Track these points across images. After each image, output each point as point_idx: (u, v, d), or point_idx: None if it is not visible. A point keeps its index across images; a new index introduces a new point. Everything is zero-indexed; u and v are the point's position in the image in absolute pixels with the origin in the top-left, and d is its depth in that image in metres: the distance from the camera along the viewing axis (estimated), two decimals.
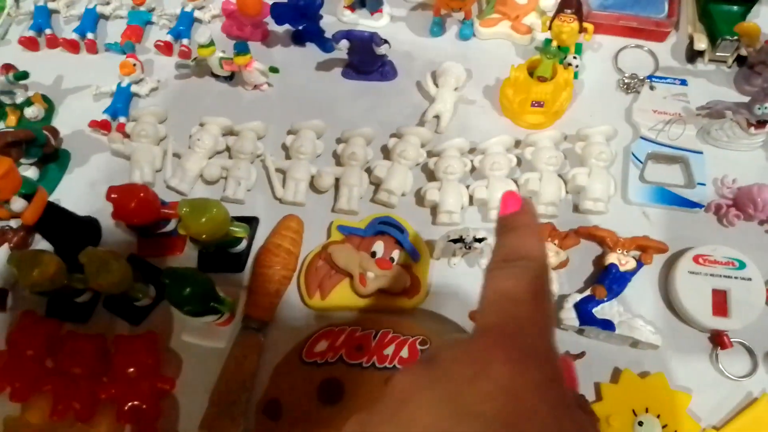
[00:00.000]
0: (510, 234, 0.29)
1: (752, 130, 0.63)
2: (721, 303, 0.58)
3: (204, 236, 0.58)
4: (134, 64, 0.73)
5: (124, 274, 0.56)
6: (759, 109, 0.60)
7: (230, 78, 0.73)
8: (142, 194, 0.58)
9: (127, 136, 0.69)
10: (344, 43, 0.67)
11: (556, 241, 0.61)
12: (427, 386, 0.22)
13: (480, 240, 0.57)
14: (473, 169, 0.66)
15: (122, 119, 0.71)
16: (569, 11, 0.64)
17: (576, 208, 0.64)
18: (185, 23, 0.77)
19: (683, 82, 0.69)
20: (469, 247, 0.57)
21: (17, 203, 0.57)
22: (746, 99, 0.64)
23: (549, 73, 0.64)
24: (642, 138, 0.66)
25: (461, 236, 0.57)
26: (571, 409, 0.23)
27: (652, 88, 0.69)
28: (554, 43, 0.69)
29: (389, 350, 0.54)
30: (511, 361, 0.23)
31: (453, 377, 0.22)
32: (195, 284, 0.53)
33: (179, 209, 0.56)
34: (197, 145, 0.67)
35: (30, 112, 0.71)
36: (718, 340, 0.57)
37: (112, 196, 0.58)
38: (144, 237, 0.65)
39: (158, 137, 0.69)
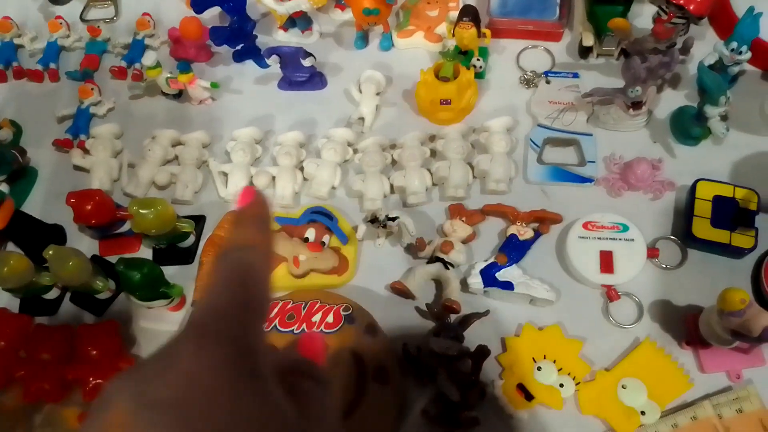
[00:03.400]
0: (236, 227, 0.29)
1: (631, 111, 0.72)
2: (607, 262, 0.66)
3: (153, 230, 0.66)
4: (92, 89, 0.82)
5: (84, 267, 0.64)
6: (631, 92, 0.69)
7: (178, 95, 0.82)
8: (97, 197, 0.66)
9: (87, 151, 0.78)
10: (274, 58, 0.77)
11: (464, 218, 0.70)
12: (123, 386, 0.22)
13: (393, 219, 0.66)
14: (393, 162, 0.75)
15: (83, 137, 0.80)
16: (466, 19, 0.74)
17: (483, 190, 0.73)
18: (137, 50, 0.86)
19: (575, 75, 0.79)
20: (384, 225, 0.66)
21: None
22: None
23: (450, 74, 0.73)
24: (539, 125, 0.76)
25: (376, 216, 0.66)
26: (259, 381, 0.24)
27: (548, 82, 0.78)
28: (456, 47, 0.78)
29: (317, 317, 0.62)
30: (199, 348, 0.23)
31: (145, 374, 0.23)
32: (145, 271, 0.61)
33: (130, 208, 0.65)
34: (149, 155, 0.76)
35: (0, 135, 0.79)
36: (607, 294, 0.66)
37: (71, 200, 0.66)
38: (104, 239, 0.73)
39: (115, 151, 0.78)
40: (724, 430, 0.58)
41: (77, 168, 0.78)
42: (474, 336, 0.64)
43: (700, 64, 0.70)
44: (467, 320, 0.64)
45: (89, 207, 0.66)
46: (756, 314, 0.55)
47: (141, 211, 0.64)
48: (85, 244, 0.73)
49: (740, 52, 0.71)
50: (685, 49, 0.74)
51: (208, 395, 0.22)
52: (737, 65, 0.73)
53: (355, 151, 0.76)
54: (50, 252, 0.62)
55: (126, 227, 0.72)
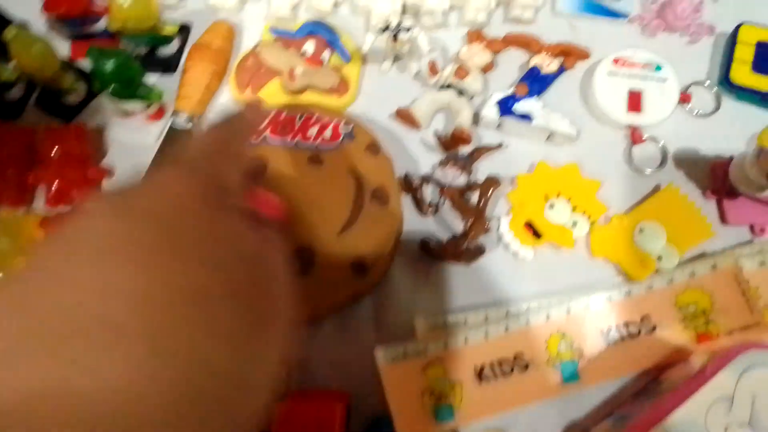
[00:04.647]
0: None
1: None
2: (636, 101, 0.60)
3: (131, 23, 0.58)
4: None
5: (50, 53, 0.56)
6: None
7: None
8: None
9: None
10: None
11: (484, 43, 0.62)
12: (102, 198, 0.24)
13: (407, 29, 0.58)
14: None
15: None
16: None
17: (506, 18, 0.65)
18: None
19: None
20: (396, 36, 0.58)
21: None
22: None
23: None
24: None
25: (388, 24, 0.58)
26: (230, 214, 0.25)
27: None
28: None
29: (312, 131, 0.56)
30: (179, 176, 0.25)
31: (125, 190, 0.24)
32: (119, 60, 0.54)
33: None
34: None
35: None
36: (631, 135, 0.60)
37: None
38: (76, 39, 0.64)
39: None
40: (743, 282, 0.55)
41: None
42: (483, 173, 0.59)
43: None
44: (478, 152, 0.59)
45: None
46: None
47: None
48: (56, 45, 0.65)
49: None
50: None
51: (183, 214, 0.23)
52: None
53: None
54: (12, 33, 0.54)
55: (101, 26, 0.63)
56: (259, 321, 0.22)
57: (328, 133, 0.55)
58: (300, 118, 0.56)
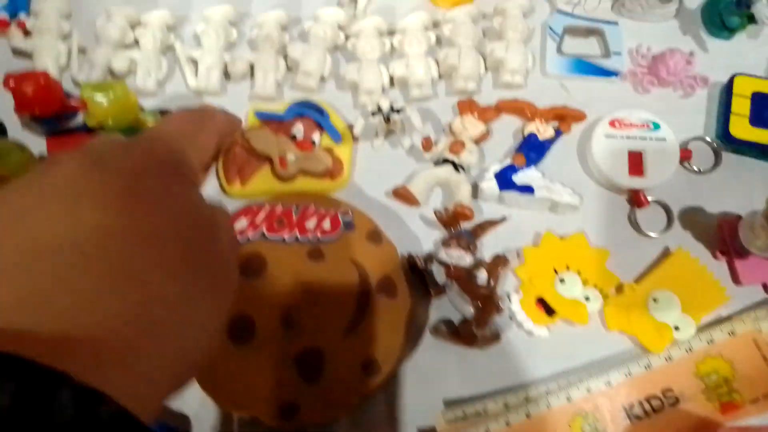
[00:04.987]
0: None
1: None
2: (637, 163, 0.59)
3: (111, 121, 0.55)
4: None
5: (27, 164, 0.53)
6: None
7: None
8: (42, 80, 0.55)
9: (28, 32, 0.65)
10: None
11: (476, 114, 0.61)
12: (77, 150, 0.25)
13: (398, 110, 0.56)
14: (393, 50, 0.65)
15: (22, 15, 0.67)
16: None
17: (496, 84, 0.64)
18: None
19: None
20: (388, 119, 0.57)
21: None
22: None
23: None
24: (558, 11, 0.66)
25: (379, 107, 0.56)
26: (194, 187, 0.29)
27: None
28: None
29: (311, 223, 0.53)
30: (148, 143, 0.28)
31: (102, 148, 0.26)
32: None
33: (82, 92, 0.54)
34: (103, 37, 0.64)
35: None
36: (635, 199, 0.59)
37: (10, 83, 0.54)
38: (52, 135, 0.62)
39: (62, 33, 0.65)
40: (764, 346, 0.53)
41: (17, 52, 0.65)
42: (488, 247, 0.57)
43: None
44: (481, 228, 0.57)
45: (32, 91, 0.54)
46: None
47: (96, 95, 0.53)
48: (30, 143, 0.62)
49: None
50: None
51: (148, 173, 0.25)
52: None
53: (347, 37, 0.65)
54: None
55: (79, 122, 0.61)
56: (205, 270, 0.25)
57: (326, 224, 0.53)
58: (297, 211, 0.54)
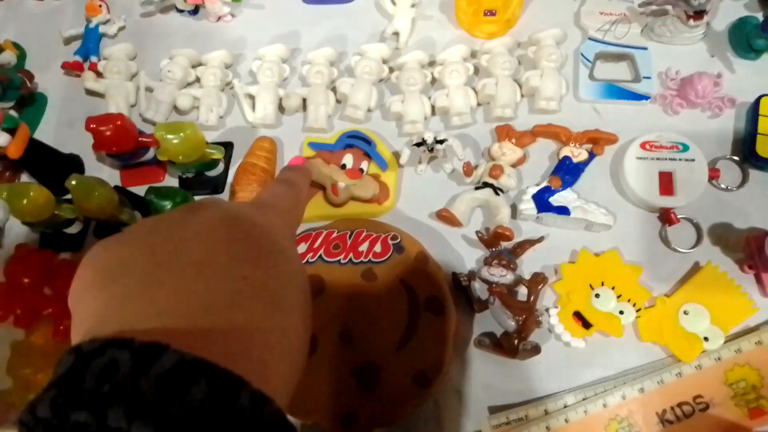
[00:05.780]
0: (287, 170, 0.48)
1: (691, 22, 0.66)
2: (667, 183, 0.62)
3: (181, 157, 0.61)
4: (100, 5, 0.75)
5: (109, 198, 0.60)
6: (691, 2, 0.63)
7: (195, 11, 0.76)
8: (119, 122, 0.61)
9: (100, 74, 0.72)
10: None
11: (513, 140, 0.65)
12: (217, 208, 0.31)
13: (441, 141, 0.61)
14: (434, 80, 0.69)
15: (94, 59, 0.74)
16: None
17: (532, 109, 0.68)
18: None
19: None
20: (431, 149, 0.61)
21: (1, 137, 0.60)
22: None
23: None
24: (590, 39, 0.70)
25: (423, 139, 0.61)
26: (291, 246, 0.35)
27: None
28: None
29: (363, 247, 0.59)
30: (268, 218, 0.34)
31: (234, 206, 0.33)
32: (177, 200, 0.57)
33: (156, 132, 0.60)
34: (168, 77, 0.70)
35: (2, 58, 0.73)
36: (666, 217, 0.62)
37: (91, 126, 0.61)
38: (125, 168, 0.68)
39: (130, 73, 0.72)
40: None
41: (90, 93, 0.72)
42: (527, 264, 0.61)
43: None
44: (521, 247, 0.61)
45: (110, 132, 0.61)
46: None
47: (168, 136, 0.59)
48: (105, 175, 0.69)
49: None
50: None
51: (272, 238, 0.32)
52: None
53: (391, 70, 0.70)
54: (73, 182, 0.58)
55: (149, 156, 0.67)
56: (303, 305, 0.31)
57: (378, 247, 0.58)
58: (350, 236, 0.59)
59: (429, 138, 0.60)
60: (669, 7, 0.68)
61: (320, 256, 0.58)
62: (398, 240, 0.59)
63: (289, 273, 0.30)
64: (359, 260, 0.58)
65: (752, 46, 0.68)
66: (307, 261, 0.58)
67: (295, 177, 0.45)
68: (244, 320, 0.26)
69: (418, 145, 0.61)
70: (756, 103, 0.65)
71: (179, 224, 0.29)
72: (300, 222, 0.41)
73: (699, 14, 0.65)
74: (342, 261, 0.58)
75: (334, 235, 0.59)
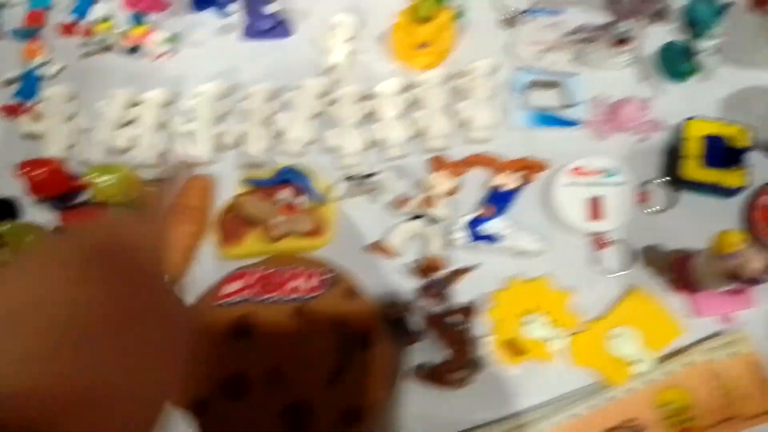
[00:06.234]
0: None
1: (616, 49, 0.68)
2: (596, 208, 0.64)
3: (116, 198, 0.62)
4: (39, 48, 0.76)
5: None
6: (617, 29, 0.65)
7: (133, 51, 0.76)
8: (51, 166, 0.62)
9: (38, 117, 0.72)
10: (233, 6, 0.71)
11: (447, 170, 0.66)
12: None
13: (371, 175, 0.62)
14: (370, 112, 0.70)
15: (32, 101, 0.74)
16: None
17: (466, 139, 0.69)
18: (86, 2, 0.79)
19: (557, 12, 0.74)
20: (361, 183, 0.62)
21: None
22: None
23: (428, 14, 0.68)
24: (522, 68, 0.71)
25: (351, 175, 0.62)
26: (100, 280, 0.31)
27: (529, 20, 0.74)
28: None
29: (294, 283, 0.59)
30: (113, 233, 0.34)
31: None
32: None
33: (88, 174, 0.60)
34: (105, 118, 0.70)
35: None
36: (597, 241, 0.63)
37: (24, 170, 0.61)
38: (65, 209, 0.68)
39: (69, 115, 0.72)
40: (717, 375, 0.57)
41: (28, 136, 0.72)
42: (462, 292, 0.62)
43: None
44: (453, 276, 0.62)
45: (42, 177, 0.61)
46: (751, 256, 0.54)
47: (101, 178, 0.60)
48: (45, 217, 0.69)
49: None
50: None
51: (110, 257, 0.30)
52: None
53: (329, 103, 0.71)
54: (6, 227, 0.58)
55: (87, 196, 0.67)
56: (153, 341, 0.29)
57: (309, 283, 0.59)
58: (281, 272, 0.60)
59: (357, 175, 0.61)
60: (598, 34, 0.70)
61: (252, 294, 0.59)
62: (330, 275, 0.59)
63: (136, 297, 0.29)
64: (290, 297, 0.58)
65: (679, 70, 0.69)
66: (237, 301, 0.59)
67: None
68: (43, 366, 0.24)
69: (350, 179, 0.62)
70: (682, 126, 0.66)
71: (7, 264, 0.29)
72: (163, 239, 0.39)
73: (624, 41, 0.67)
74: (273, 299, 0.58)
75: (267, 272, 0.60)
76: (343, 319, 0.57)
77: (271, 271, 0.60)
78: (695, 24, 0.65)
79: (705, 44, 0.63)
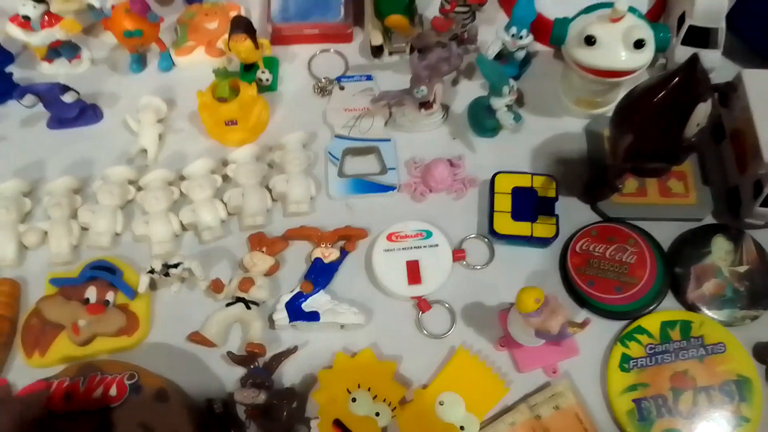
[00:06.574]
0: None
1: (423, 111, 0.69)
2: (414, 272, 0.63)
3: None
4: None
5: None
6: (417, 92, 0.66)
7: None
8: None
9: None
10: (29, 98, 0.67)
11: (264, 249, 0.64)
12: None
13: (174, 266, 0.59)
14: (182, 195, 0.68)
15: None
16: (238, 31, 0.68)
17: (285, 213, 0.68)
18: None
19: (369, 78, 0.75)
20: (167, 275, 0.60)
21: None
22: None
23: (226, 93, 0.67)
24: (337, 136, 0.71)
25: (152, 267, 0.59)
26: None
27: (341, 88, 0.74)
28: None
29: (98, 392, 0.55)
30: None
31: None
32: None
33: None
34: None
35: None
36: (418, 305, 0.63)
37: None
38: None
39: None
40: (547, 429, 0.57)
41: None
42: (288, 375, 0.60)
43: (478, 55, 0.68)
44: (276, 361, 0.60)
45: None
46: (553, 311, 0.54)
47: None
48: None
49: (521, 37, 0.69)
50: (471, 39, 0.73)
51: None
52: (522, 50, 0.72)
53: (139, 189, 0.68)
54: None
55: None
56: None
57: (113, 391, 0.55)
58: (83, 383, 0.55)
59: (157, 266, 0.59)
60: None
61: (51, 411, 0.54)
62: (135, 379, 0.56)
63: None
64: (92, 411, 0.54)
65: (486, 126, 0.71)
66: (37, 419, 0.54)
67: None
68: None
69: (150, 272, 0.59)
70: (491, 182, 0.67)
71: None
72: None
73: (426, 104, 0.68)
74: (74, 414, 0.54)
75: (66, 383, 0.55)
76: (154, 425, 0.53)
77: (70, 381, 0.55)
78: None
79: (499, 102, 0.65)
